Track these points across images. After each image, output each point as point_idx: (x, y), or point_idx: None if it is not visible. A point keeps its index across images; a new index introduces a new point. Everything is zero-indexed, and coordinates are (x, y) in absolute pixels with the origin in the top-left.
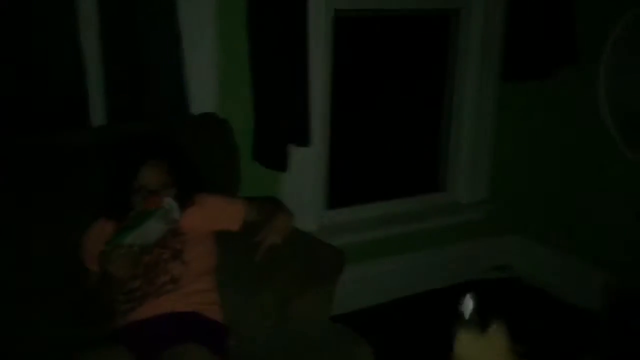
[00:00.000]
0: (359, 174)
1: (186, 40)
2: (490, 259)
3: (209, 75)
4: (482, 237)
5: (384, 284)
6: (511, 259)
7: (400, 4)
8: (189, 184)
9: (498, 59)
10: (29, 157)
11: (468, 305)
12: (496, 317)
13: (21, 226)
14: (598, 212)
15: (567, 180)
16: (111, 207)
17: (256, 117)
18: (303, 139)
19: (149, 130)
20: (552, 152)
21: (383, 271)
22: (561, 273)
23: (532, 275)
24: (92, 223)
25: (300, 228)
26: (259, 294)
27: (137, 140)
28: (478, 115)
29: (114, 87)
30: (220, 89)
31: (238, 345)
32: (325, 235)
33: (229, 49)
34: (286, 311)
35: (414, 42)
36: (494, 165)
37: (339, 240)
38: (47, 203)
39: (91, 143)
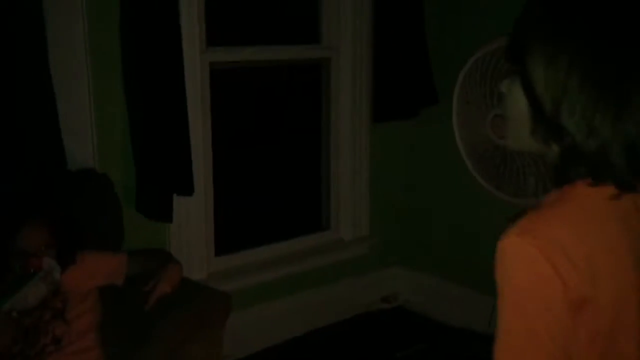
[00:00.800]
0: (244, 219)
1: (59, 92)
2: (377, 291)
3: (85, 130)
4: (367, 271)
5: (276, 325)
6: (396, 289)
7: (273, 55)
8: (70, 242)
9: (368, 101)
10: None
11: None
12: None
13: None
14: (474, 244)
15: (439, 210)
16: None
17: (137, 169)
18: (186, 188)
19: (27, 188)
20: (424, 184)
21: (275, 313)
22: (442, 297)
23: (417, 303)
24: None
25: (189, 276)
26: (146, 345)
27: (15, 198)
28: (354, 154)
29: None
30: (98, 142)
31: None
32: (215, 282)
33: (105, 101)
34: (176, 359)
35: (291, 88)
36: (373, 201)
37: (229, 286)
38: None
39: None
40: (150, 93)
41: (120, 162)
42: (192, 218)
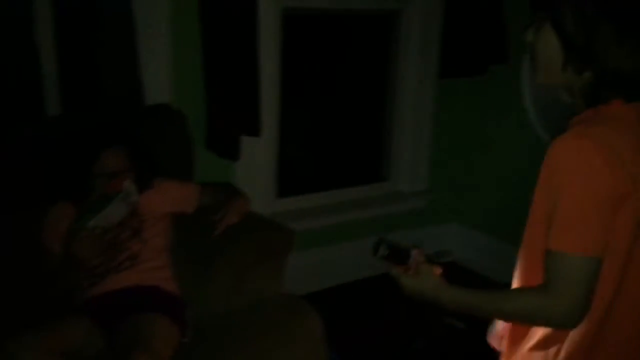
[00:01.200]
0: (307, 164)
1: (140, 32)
2: (431, 245)
3: (163, 67)
4: (422, 225)
5: (328, 269)
6: (450, 245)
7: (345, 4)
8: (146, 169)
9: (435, 57)
10: None
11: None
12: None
13: None
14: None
15: (500, 169)
16: (70, 191)
17: (209, 108)
18: (254, 129)
19: (107, 120)
20: (485, 143)
21: (328, 257)
22: (495, 256)
23: (469, 260)
24: (51, 206)
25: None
26: (214, 267)
27: (98, 128)
28: (417, 109)
29: (68, 79)
30: (174, 80)
31: (195, 317)
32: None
33: (183, 41)
34: (242, 285)
35: (360, 39)
36: (434, 156)
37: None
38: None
39: (47, 133)
40: (225, 35)
41: (193, 100)
42: (257, 159)
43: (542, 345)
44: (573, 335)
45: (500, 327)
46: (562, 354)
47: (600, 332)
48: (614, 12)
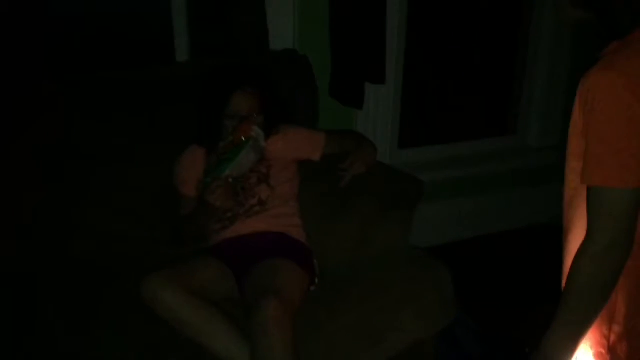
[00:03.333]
0: (431, 115)
1: None
2: (559, 204)
3: (289, 12)
4: (550, 182)
5: (449, 224)
6: None
7: None
8: (275, 113)
9: None
10: (121, 90)
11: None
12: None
13: (118, 153)
14: None
15: None
16: (202, 134)
17: (333, 55)
18: (379, 77)
19: (238, 63)
20: None
21: (449, 212)
22: None
23: None
24: (184, 150)
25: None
26: (343, 216)
27: (230, 69)
28: (553, 58)
29: (197, 24)
30: (299, 27)
31: (322, 266)
32: None
33: None
34: (368, 235)
35: None
36: (568, 110)
37: None
38: (141, 133)
39: (179, 76)
40: None
41: (317, 47)
42: (380, 108)
43: None
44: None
45: None
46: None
47: None
48: None
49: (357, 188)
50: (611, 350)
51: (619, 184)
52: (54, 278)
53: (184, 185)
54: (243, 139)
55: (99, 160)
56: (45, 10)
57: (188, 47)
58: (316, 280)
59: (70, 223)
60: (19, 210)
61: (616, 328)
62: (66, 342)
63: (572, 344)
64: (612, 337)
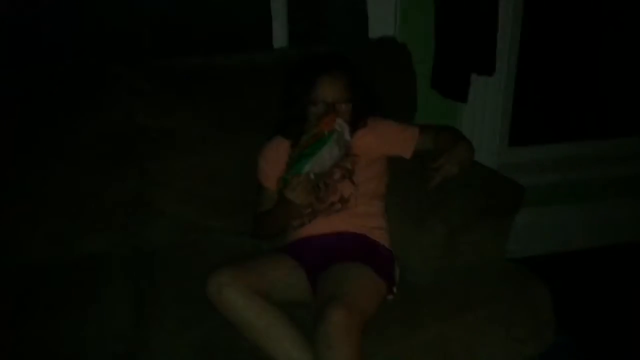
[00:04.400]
0: (546, 111)
1: None
2: None
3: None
4: None
5: (560, 232)
6: None
7: None
8: (364, 103)
9: None
10: (212, 78)
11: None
12: None
13: (198, 141)
14: None
15: None
16: (286, 125)
17: (437, 43)
18: (487, 68)
19: (328, 49)
20: None
21: (561, 218)
22: None
23: None
24: (267, 142)
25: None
26: (430, 221)
27: (316, 55)
28: None
29: (296, 10)
30: (401, 14)
31: (404, 274)
32: (507, 175)
33: None
34: (457, 244)
35: None
36: None
37: (521, 181)
38: (223, 121)
39: (273, 63)
40: None
41: (420, 34)
42: (488, 102)
43: None
44: None
45: None
46: None
47: None
48: None
49: (448, 191)
50: None
51: None
52: (129, 265)
53: (266, 179)
54: (326, 132)
55: (180, 149)
56: None
57: (286, 33)
58: (394, 290)
59: (149, 211)
60: (98, 198)
61: None
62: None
63: None
64: None
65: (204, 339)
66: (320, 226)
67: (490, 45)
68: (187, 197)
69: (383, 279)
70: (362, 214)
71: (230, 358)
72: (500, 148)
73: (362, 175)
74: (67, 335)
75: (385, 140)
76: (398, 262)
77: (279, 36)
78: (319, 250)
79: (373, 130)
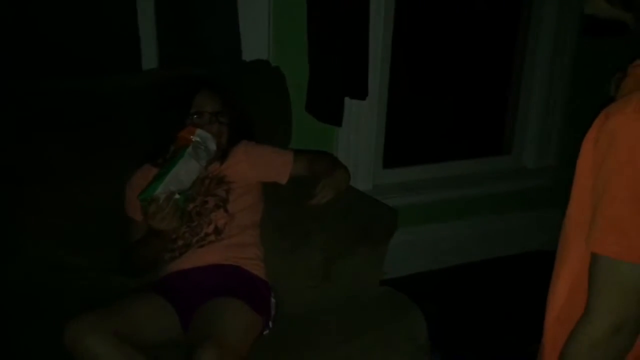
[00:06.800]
0: (418, 133)
1: None
2: (556, 229)
3: (263, 22)
4: (548, 206)
5: (438, 249)
6: None
7: None
8: (239, 126)
9: (579, 10)
10: (77, 101)
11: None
12: None
13: (60, 170)
14: None
15: None
16: (156, 151)
17: (311, 67)
18: (360, 92)
19: (203, 70)
20: None
21: (439, 236)
22: None
23: None
24: (136, 170)
25: (353, 186)
26: (305, 250)
27: (190, 75)
28: (552, 73)
29: (165, 32)
30: (274, 37)
31: (280, 305)
32: (380, 196)
33: None
34: (333, 271)
35: None
36: (565, 128)
37: (393, 201)
38: (94, 147)
39: (144, 85)
40: None
41: (293, 59)
42: (362, 125)
43: None
44: None
45: None
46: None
47: None
48: None
49: (323, 217)
50: None
51: (633, 258)
52: None
53: (134, 210)
54: (183, 146)
55: (37, 177)
56: None
57: (155, 55)
58: (270, 324)
59: (3, 249)
60: None
61: None
62: None
63: None
64: None
65: None
66: (192, 260)
67: (362, 70)
68: (51, 235)
69: (259, 313)
70: (236, 245)
71: None
72: (376, 170)
73: (237, 204)
74: None
75: (260, 165)
76: (274, 293)
77: (149, 58)
78: (191, 285)
79: (247, 156)
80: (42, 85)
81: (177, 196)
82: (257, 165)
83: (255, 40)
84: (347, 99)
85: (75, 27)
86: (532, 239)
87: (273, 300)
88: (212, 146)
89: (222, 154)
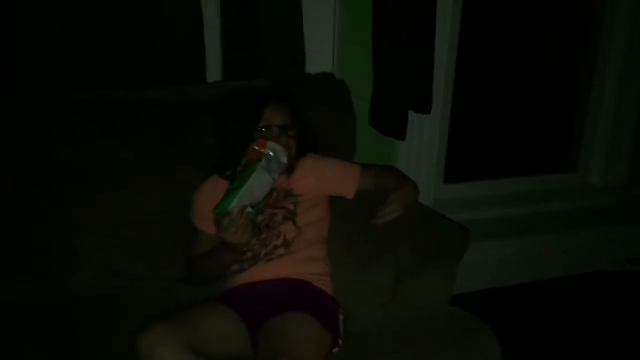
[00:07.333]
0: (481, 148)
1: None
2: (624, 249)
3: (328, 34)
4: (615, 225)
5: (501, 267)
6: None
7: None
8: (306, 139)
9: None
10: (143, 111)
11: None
12: None
13: (129, 179)
14: None
15: None
16: (224, 163)
17: (375, 80)
18: (424, 106)
19: (269, 83)
20: None
21: (502, 254)
22: None
23: None
24: (204, 181)
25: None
26: (375, 267)
27: (257, 88)
28: (622, 87)
29: (230, 44)
30: (338, 49)
31: (347, 322)
32: (441, 211)
33: (350, 7)
34: (403, 289)
35: (551, 7)
36: (636, 145)
37: (455, 217)
38: (161, 156)
39: (209, 96)
40: (399, 4)
41: (358, 72)
42: (425, 139)
43: None
44: None
45: None
46: None
47: None
48: None
49: (393, 234)
50: None
51: None
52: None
53: (201, 222)
54: (254, 159)
55: (106, 188)
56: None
57: (220, 65)
58: (340, 342)
59: (72, 258)
60: (15, 243)
61: None
62: None
63: None
64: None
65: None
66: (261, 272)
67: (428, 84)
68: (114, 242)
69: (328, 330)
70: (304, 259)
71: None
72: (438, 185)
73: (305, 217)
74: None
75: (326, 179)
76: (342, 310)
77: (213, 70)
78: (260, 299)
79: (315, 170)
80: (110, 94)
81: (249, 209)
82: (324, 179)
83: (320, 53)
84: (411, 112)
85: (140, 38)
86: (597, 259)
87: (341, 317)
88: (284, 159)
89: (289, 168)
